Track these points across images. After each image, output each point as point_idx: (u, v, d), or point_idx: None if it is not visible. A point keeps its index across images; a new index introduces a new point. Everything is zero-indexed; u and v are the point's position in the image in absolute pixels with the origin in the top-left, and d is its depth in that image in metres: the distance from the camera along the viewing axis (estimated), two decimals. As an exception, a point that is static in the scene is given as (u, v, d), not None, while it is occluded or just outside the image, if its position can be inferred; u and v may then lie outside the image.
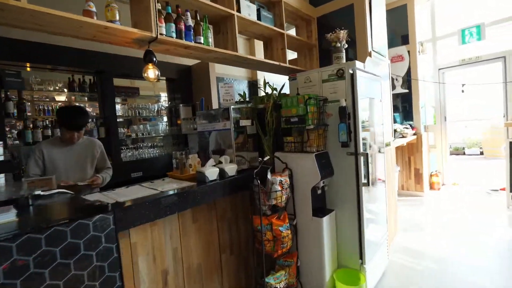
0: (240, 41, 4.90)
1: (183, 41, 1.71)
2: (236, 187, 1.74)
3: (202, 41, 1.80)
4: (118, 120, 3.48)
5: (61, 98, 3.28)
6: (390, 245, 2.53)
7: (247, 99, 2.20)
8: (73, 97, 3.34)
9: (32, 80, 2.89)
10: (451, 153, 6.63)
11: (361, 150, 1.83)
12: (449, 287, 2.03)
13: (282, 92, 2.12)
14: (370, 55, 2.37)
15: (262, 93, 2.14)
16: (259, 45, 4.52)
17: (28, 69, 2.88)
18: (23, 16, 1.18)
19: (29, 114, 2.94)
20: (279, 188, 1.68)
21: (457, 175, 5.07)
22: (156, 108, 3.98)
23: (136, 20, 1.58)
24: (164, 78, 3.98)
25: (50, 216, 1.21)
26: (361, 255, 1.87)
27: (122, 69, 3.37)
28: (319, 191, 1.87)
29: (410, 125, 4.23)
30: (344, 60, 2.05)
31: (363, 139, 1.89)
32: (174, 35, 1.66)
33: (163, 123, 4.09)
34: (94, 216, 1.08)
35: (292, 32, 2.71)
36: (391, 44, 4.06)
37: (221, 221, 1.72)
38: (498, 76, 4.24)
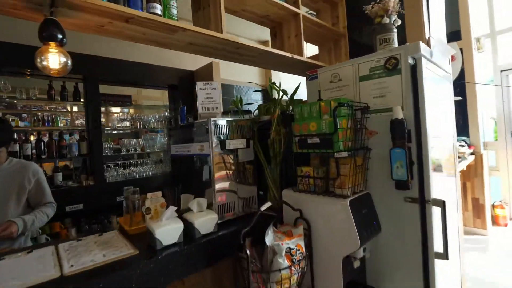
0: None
1: (120, 7, 1.02)
2: (215, 255, 1.04)
3: (159, 12, 1.13)
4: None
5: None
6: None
7: (246, 109, 1.52)
8: (52, 106, 2.86)
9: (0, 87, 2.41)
10: None
11: (433, 196, 1.06)
12: None
13: (295, 98, 1.41)
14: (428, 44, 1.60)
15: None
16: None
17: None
18: None
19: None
20: (287, 263, 0.95)
21: (525, 204, 3.98)
22: (151, 120, 3.41)
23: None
24: (166, 85, 3.44)
25: None
26: None
27: (110, 74, 2.84)
28: (357, 264, 1.11)
29: (466, 142, 3.31)
30: (396, 44, 1.31)
31: (436, 168, 1.12)
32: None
33: (160, 137, 3.52)
34: None
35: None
36: (440, 40, 3.22)
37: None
38: None
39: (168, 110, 3.54)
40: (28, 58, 2.40)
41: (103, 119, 3.26)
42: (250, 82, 3.93)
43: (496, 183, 3.72)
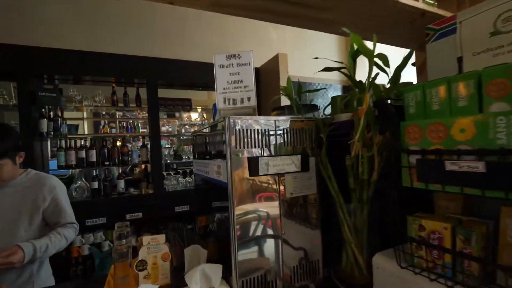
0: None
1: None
2: None
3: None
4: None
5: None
6: None
7: (305, 102, 0.93)
8: (119, 113, 2.89)
9: (72, 95, 2.51)
10: None
11: None
12: None
13: (400, 80, 0.74)
14: None
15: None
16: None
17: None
18: None
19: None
20: None
21: None
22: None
23: None
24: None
25: None
26: None
27: (167, 76, 2.69)
28: None
29: None
30: None
31: None
32: None
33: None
34: None
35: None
36: None
37: None
38: None
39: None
40: (91, 64, 2.48)
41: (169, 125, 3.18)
42: (317, 58, 3.25)
43: None
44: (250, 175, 0.61)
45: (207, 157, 0.78)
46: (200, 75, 2.75)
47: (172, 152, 2.97)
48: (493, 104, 0.46)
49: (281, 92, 0.81)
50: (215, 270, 0.61)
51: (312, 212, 0.74)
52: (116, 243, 0.74)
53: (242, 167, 0.61)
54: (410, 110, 0.60)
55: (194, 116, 3.61)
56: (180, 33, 2.99)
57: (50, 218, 1.22)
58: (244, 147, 0.61)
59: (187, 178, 2.91)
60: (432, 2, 1.02)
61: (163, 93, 2.86)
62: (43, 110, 2.32)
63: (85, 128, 3.84)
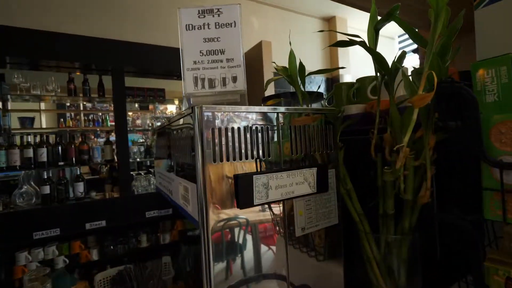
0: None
1: None
2: None
3: None
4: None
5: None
6: None
7: (306, 89, 0.70)
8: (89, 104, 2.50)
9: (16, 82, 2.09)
10: None
11: None
12: None
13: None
14: None
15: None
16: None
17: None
18: None
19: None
20: None
21: None
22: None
23: None
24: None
25: None
26: None
27: (138, 63, 2.34)
28: None
29: None
30: None
31: None
32: None
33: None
34: None
35: None
36: None
37: None
38: None
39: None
40: (43, 46, 2.06)
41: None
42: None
43: None
44: (239, 207, 0.36)
45: (172, 167, 0.52)
46: (177, 63, 2.43)
47: (142, 149, 2.64)
48: None
49: (279, 73, 0.57)
50: None
51: (326, 247, 0.51)
52: None
53: (223, 191, 0.36)
54: (487, 97, 0.38)
55: (171, 108, 3.25)
56: (155, 17, 2.65)
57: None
58: (226, 158, 0.36)
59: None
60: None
61: (132, 82, 2.51)
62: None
63: (43, 122, 3.36)
